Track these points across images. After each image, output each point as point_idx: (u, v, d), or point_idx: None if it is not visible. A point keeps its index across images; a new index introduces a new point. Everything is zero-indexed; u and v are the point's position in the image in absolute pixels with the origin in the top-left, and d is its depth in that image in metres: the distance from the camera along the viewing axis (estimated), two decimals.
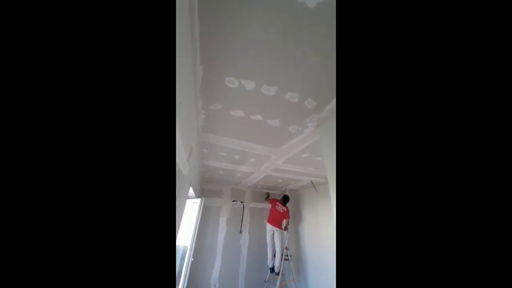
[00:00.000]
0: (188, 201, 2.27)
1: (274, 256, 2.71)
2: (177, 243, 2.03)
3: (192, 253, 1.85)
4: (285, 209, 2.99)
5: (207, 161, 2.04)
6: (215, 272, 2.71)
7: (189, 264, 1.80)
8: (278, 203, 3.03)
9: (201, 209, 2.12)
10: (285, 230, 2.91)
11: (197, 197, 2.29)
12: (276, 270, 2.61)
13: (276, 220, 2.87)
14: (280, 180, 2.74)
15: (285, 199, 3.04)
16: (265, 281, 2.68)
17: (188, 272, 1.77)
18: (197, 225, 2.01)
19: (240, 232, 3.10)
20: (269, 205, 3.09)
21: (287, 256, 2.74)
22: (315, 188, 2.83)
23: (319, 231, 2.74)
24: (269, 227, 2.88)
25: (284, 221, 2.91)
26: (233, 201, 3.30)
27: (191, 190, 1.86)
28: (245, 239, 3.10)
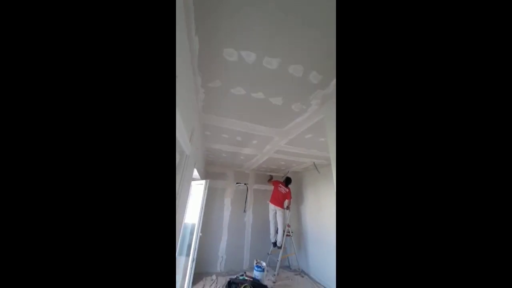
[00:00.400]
0: (194, 183, 2.36)
1: (277, 232, 2.90)
2: (186, 221, 2.18)
3: (200, 229, 2.00)
4: (287, 190, 3.09)
5: (210, 144, 2.05)
6: (222, 245, 2.95)
7: (198, 238, 1.95)
8: (280, 184, 3.13)
9: (206, 190, 2.21)
10: (287, 209, 3.05)
11: (202, 179, 2.37)
12: (278, 244, 2.81)
13: (279, 200, 3.01)
14: (283, 163, 2.77)
15: (287, 181, 3.13)
16: (268, 253, 2.91)
17: (197, 245, 1.93)
18: (203, 205, 2.13)
19: (244, 211, 3.28)
20: (272, 187, 3.20)
21: (289, 232, 2.92)
22: (317, 170, 2.87)
23: (320, 210, 2.86)
24: (271, 206, 3.03)
25: (286, 201, 3.04)
26: (237, 183, 3.41)
27: (196, 172, 1.92)
28: (249, 217, 3.29)
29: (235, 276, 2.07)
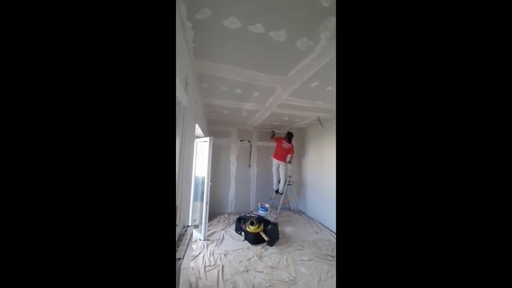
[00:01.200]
0: (198, 140, 2.45)
1: (279, 182, 3.23)
2: (197, 174, 2.43)
3: (209, 180, 2.25)
4: (290, 145, 3.21)
5: (209, 99, 1.96)
6: (231, 193, 3.39)
7: (209, 187, 2.22)
8: (283, 141, 3.22)
9: (211, 146, 2.31)
10: (289, 163, 3.27)
11: (205, 136, 2.43)
12: (280, 191, 3.20)
13: (281, 155, 3.19)
14: (286, 118, 2.71)
15: (289, 136, 3.21)
16: (271, 199, 3.36)
17: (209, 192, 2.23)
18: (210, 159, 2.29)
19: (249, 166, 3.54)
20: (275, 144, 3.31)
21: (290, 182, 3.25)
22: (321, 124, 2.83)
23: (320, 162, 3.04)
24: (274, 161, 3.25)
25: (289, 156, 3.22)
26: (241, 140, 3.51)
27: (199, 130, 1.95)
28: (253, 171, 3.59)
29: (243, 214, 2.48)
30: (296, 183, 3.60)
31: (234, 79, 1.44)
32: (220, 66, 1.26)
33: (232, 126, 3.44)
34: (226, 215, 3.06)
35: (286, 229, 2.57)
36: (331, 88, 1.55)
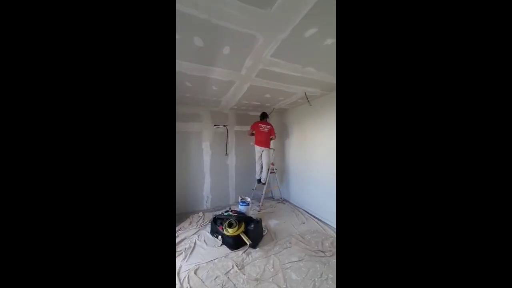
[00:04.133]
0: None
1: (262, 171, 2.87)
2: None
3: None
4: (269, 126, 2.82)
5: None
6: (206, 187, 2.90)
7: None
8: (260, 124, 2.80)
9: None
10: (271, 149, 2.91)
11: None
12: (262, 180, 2.85)
13: (264, 140, 2.79)
14: (268, 96, 2.24)
15: (263, 116, 2.83)
16: (252, 189, 3.01)
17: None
18: None
19: (226, 154, 3.05)
20: (253, 133, 2.86)
21: (273, 169, 2.92)
22: (308, 102, 2.46)
23: (304, 147, 2.75)
24: (257, 148, 2.84)
25: (272, 137, 2.86)
26: (215, 125, 2.94)
27: None
28: (232, 160, 3.12)
29: (220, 212, 2.06)
30: (279, 170, 3.31)
31: (185, 12, 0.85)
32: None
33: (203, 107, 2.80)
34: (200, 214, 2.60)
35: (270, 223, 2.27)
36: (331, 43, 1.11)
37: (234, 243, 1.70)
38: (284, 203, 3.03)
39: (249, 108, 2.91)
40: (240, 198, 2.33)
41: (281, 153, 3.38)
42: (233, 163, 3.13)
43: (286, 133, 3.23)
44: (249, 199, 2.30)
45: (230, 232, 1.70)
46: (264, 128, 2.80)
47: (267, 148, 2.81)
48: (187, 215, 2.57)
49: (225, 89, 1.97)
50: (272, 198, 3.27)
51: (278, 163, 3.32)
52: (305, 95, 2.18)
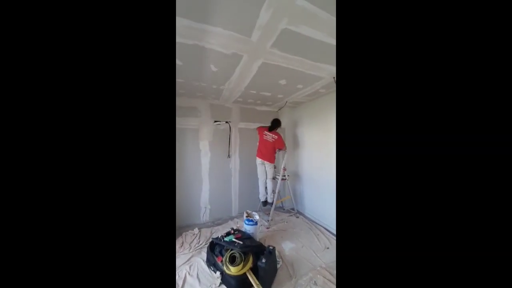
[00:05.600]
0: None
1: (267, 190, 2.35)
2: None
3: None
4: (276, 137, 2.27)
5: None
6: (204, 196, 2.40)
7: None
8: (265, 131, 2.28)
9: None
10: (283, 150, 2.39)
11: None
12: (269, 200, 2.34)
13: (266, 152, 2.25)
14: (283, 82, 1.71)
15: (273, 124, 2.28)
16: (257, 210, 2.50)
17: None
18: None
19: (229, 156, 2.54)
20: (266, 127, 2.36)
21: (285, 176, 2.40)
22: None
23: (324, 148, 2.21)
24: (258, 161, 2.33)
25: (279, 152, 2.35)
26: (216, 121, 2.44)
27: None
28: (235, 163, 2.62)
29: (219, 235, 1.55)
30: (291, 175, 2.78)
31: None
32: None
33: (201, 99, 2.31)
34: (195, 231, 2.10)
35: (284, 247, 1.76)
36: None
37: (238, 286, 1.19)
38: (298, 217, 2.50)
39: (257, 101, 2.40)
40: (245, 215, 1.82)
41: (293, 156, 2.85)
42: (236, 167, 2.63)
43: (301, 132, 2.70)
44: (257, 217, 1.78)
45: (232, 270, 1.20)
46: (268, 137, 2.27)
47: (269, 163, 2.28)
48: (179, 231, 2.08)
49: (228, 70, 1.46)
50: (282, 208, 2.75)
51: (289, 167, 2.80)
52: (334, 80, 1.65)
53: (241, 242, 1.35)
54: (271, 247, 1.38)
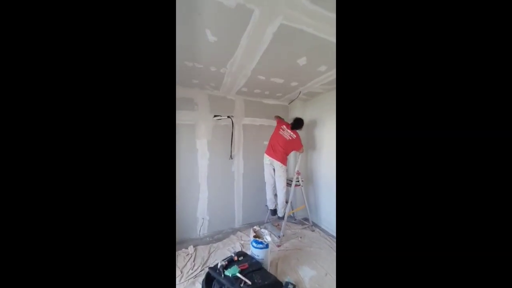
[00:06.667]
0: None
1: (276, 196, 1.95)
2: None
3: None
4: (294, 136, 1.86)
5: None
6: (202, 205, 2.02)
7: None
8: (284, 126, 1.86)
9: None
10: (299, 151, 1.99)
11: None
12: (279, 214, 1.92)
13: (279, 149, 1.82)
14: (303, 62, 1.31)
15: (296, 122, 1.86)
16: (265, 222, 2.11)
17: None
18: None
19: (231, 157, 2.15)
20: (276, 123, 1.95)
21: (299, 181, 1.99)
22: None
23: None
24: (266, 160, 1.89)
25: (295, 153, 1.97)
26: (215, 116, 2.05)
27: None
28: (238, 165, 2.23)
29: (217, 264, 1.15)
30: (305, 179, 2.38)
31: None
32: None
33: (198, 89, 1.92)
34: (191, 249, 1.71)
35: (303, 276, 1.35)
36: None
37: None
38: (313, 230, 2.10)
39: (265, 91, 2.00)
40: (253, 234, 1.42)
41: (305, 158, 2.45)
42: (240, 170, 2.23)
43: (318, 130, 2.29)
44: (268, 238, 1.38)
45: None
46: (285, 133, 1.85)
47: (279, 163, 1.84)
48: None
49: (232, 40, 1.06)
50: (293, 219, 2.34)
51: (303, 170, 2.39)
52: None
53: (249, 282, 0.95)
54: (290, 285, 0.98)
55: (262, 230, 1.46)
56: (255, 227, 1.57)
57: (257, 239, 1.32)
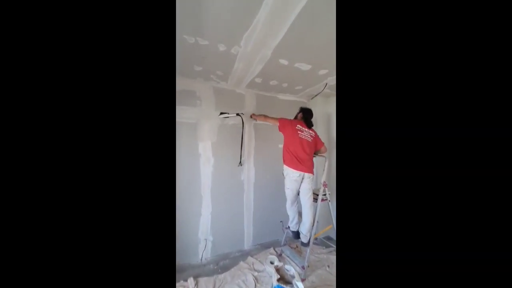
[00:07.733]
0: None
1: (300, 216, 1.54)
2: None
3: None
4: (313, 134, 1.49)
5: None
6: (205, 222, 1.65)
7: None
8: (299, 125, 1.45)
9: None
10: (320, 154, 1.61)
11: None
12: (304, 240, 1.47)
13: (305, 158, 1.42)
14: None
15: (309, 117, 1.52)
16: (282, 245, 1.71)
17: None
18: None
19: (240, 164, 1.78)
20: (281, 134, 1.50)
21: (325, 195, 1.59)
22: None
23: None
24: (293, 174, 1.43)
25: (319, 153, 1.56)
26: (222, 113, 1.69)
27: None
28: (249, 173, 1.85)
29: None
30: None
31: None
32: None
33: (201, 80, 1.55)
34: (191, 283, 1.32)
35: None
36: None
37: None
38: None
39: (283, 83, 1.62)
40: (274, 271, 1.02)
41: (329, 164, 2.04)
42: (251, 179, 1.86)
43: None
44: (301, 286, 0.97)
45: None
46: (306, 134, 1.45)
47: (309, 174, 1.44)
48: None
49: (249, 4, 0.69)
50: (315, 239, 1.93)
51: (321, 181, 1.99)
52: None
53: None
54: None
55: (287, 267, 1.07)
56: (271, 256, 1.18)
57: (282, 285, 0.93)
